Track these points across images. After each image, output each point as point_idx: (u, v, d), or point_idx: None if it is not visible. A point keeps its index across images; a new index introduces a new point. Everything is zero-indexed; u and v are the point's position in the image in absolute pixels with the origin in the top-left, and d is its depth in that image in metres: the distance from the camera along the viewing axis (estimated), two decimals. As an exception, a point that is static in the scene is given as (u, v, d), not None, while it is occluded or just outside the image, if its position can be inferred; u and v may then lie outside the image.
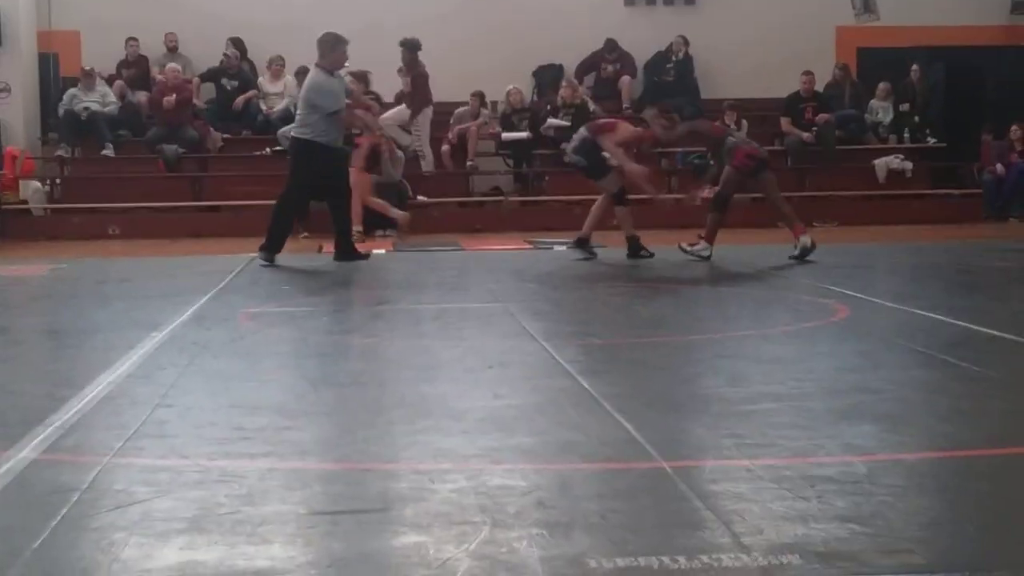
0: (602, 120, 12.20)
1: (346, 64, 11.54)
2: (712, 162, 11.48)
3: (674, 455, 3.98)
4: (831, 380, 5.42)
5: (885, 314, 7.70)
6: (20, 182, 15.95)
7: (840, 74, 17.50)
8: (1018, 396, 5.13)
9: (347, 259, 11.08)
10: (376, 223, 14.97)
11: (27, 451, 4.11)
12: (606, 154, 11.15)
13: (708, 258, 10.88)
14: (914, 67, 17.58)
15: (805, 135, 16.67)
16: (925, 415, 4.73)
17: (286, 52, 16.73)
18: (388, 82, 15.91)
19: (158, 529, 3.26)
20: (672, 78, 17.76)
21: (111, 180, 15.93)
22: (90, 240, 14.62)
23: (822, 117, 16.74)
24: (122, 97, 16.77)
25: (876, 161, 16.79)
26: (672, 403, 4.98)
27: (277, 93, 16.99)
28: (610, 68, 17.78)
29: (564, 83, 16.81)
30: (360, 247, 11.67)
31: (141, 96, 16.92)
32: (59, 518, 3.35)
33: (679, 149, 16.83)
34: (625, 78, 17.72)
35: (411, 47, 15.31)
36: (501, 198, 16.46)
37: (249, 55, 17.38)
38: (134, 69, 17.19)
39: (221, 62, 17.07)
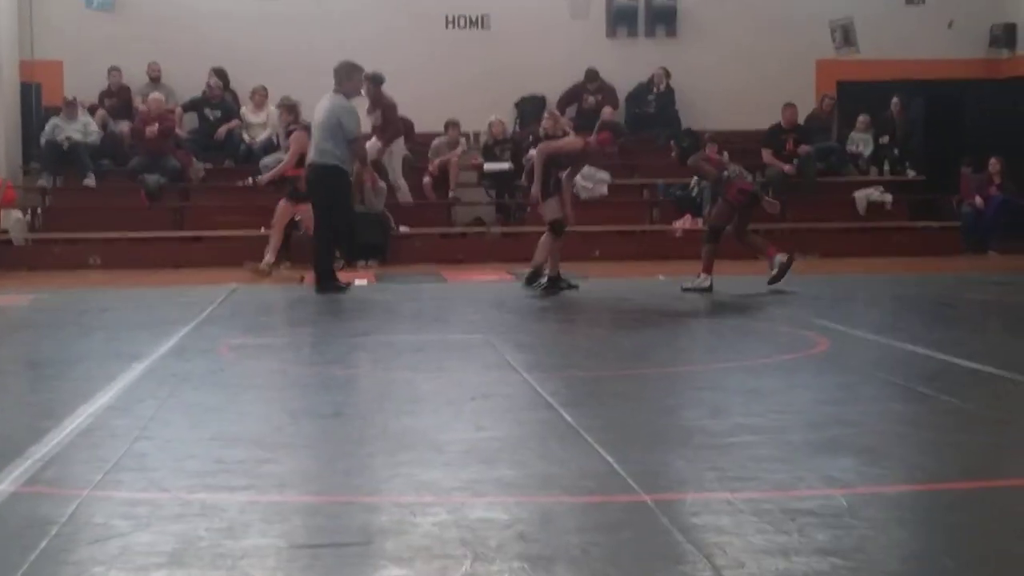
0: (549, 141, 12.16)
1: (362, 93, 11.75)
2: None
3: (655, 488, 3.98)
4: (811, 413, 5.43)
5: (864, 346, 7.73)
6: (1, 212, 15.90)
7: (829, 104, 17.63)
8: (996, 429, 5.15)
9: (327, 290, 11.11)
10: (359, 253, 15.00)
11: (6, 484, 4.10)
12: (568, 175, 11.21)
13: (710, 289, 10.89)
14: (894, 100, 17.71)
15: (787, 167, 16.75)
16: (904, 448, 4.75)
17: (269, 82, 16.76)
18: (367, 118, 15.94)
19: (138, 563, 3.25)
20: (653, 110, 17.86)
21: (93, 210, 15.89)
22: (71, 270, 14.58)
23: (804, 149, 16.84)
24: (104, 127, 16.75)
25: (856, 193, 16.88)
26: (653, 436, 4.98)
27: (260, 123, 17.00)
28: (592, 99, 17.86)
29: (546, 114, 16.87)
30: (342, 276, 11.68)
31: (123, 126, 16.91)
32: (38, 552, 3.33)
33: (661, 181, 16.95)
34: (607, 109, 17.78)
35: (375, 80, 15.34)
36: (484, 228, 16.48)
37: (232, 85, 17.40)
38: (116, 99, 17.18)
39: (203, 92, 17.08)
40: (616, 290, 11.87)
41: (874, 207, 16.84)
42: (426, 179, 16.36)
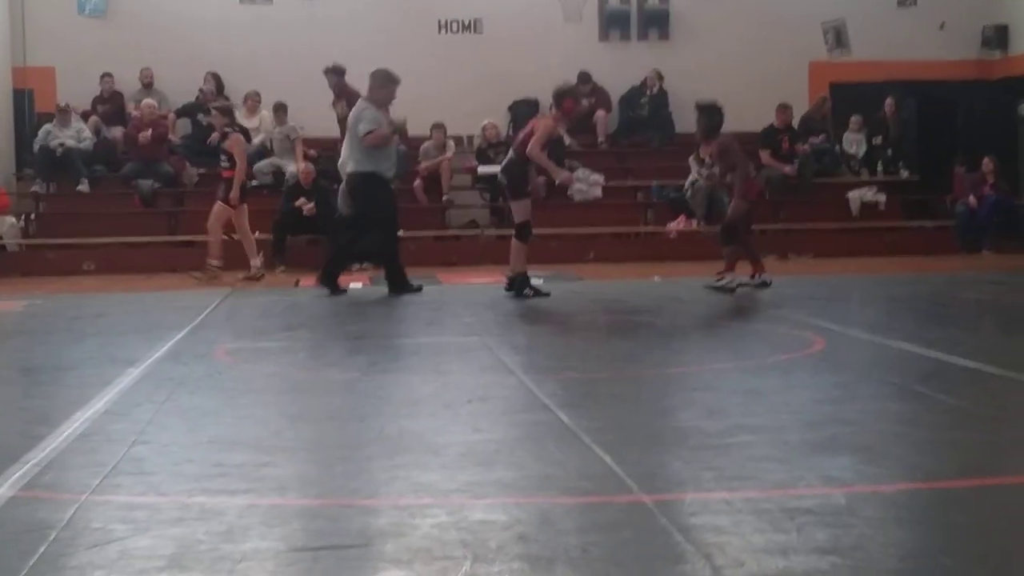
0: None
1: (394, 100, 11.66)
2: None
3: (654, 488, 3.99)
4: (808, 412, 5.44)
5: (860, 346, 7.74)
6: (-6, 218, 15.89)
7: (828, 107, 17.64)
8: (992, 427, 5.16)
9: (401, 291, 11.23)
10: (355, 257, 14.99)
11: (3, 489, 4.09)
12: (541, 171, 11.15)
13: (735, 290, 10.84)
14: (887, 101, 17.74)
15: (787, 168, 16.75)
16: (902, 447, 4.75)
17: (262, 88, 16.76)
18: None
19: (137, 567, 3.24)
20: (647, 112, 17.87)
21: (86, 215, 15.88)
22: (65, 275, 14.56)
23: (803, 149, 16.86)
24: (97, 133, 16.75)
25: (850, 194, 16.91)
26: (651, 436, 4.99)
27: (253, 128, 16.99)
28: (585, 103, 17.85)
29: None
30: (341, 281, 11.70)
31: (116, 132, 16.90)
32: (36, 557, 3.33)
33: (653, 183, 16.95)
34: (600, 112, 17.81)
35: (337, 72, 15.33)
36: (478, 231, 16.48)
37: (224, 91, 17.39)
38: (109, 105, 17.17)
39: (197, 97, 17.08)
40: (611, 292, 11.87)
41: (868, 207, 16.86)
42: (416, 182, 16.33)
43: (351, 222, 11.58)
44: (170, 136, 16.79)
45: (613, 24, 18.30)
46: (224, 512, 3.78)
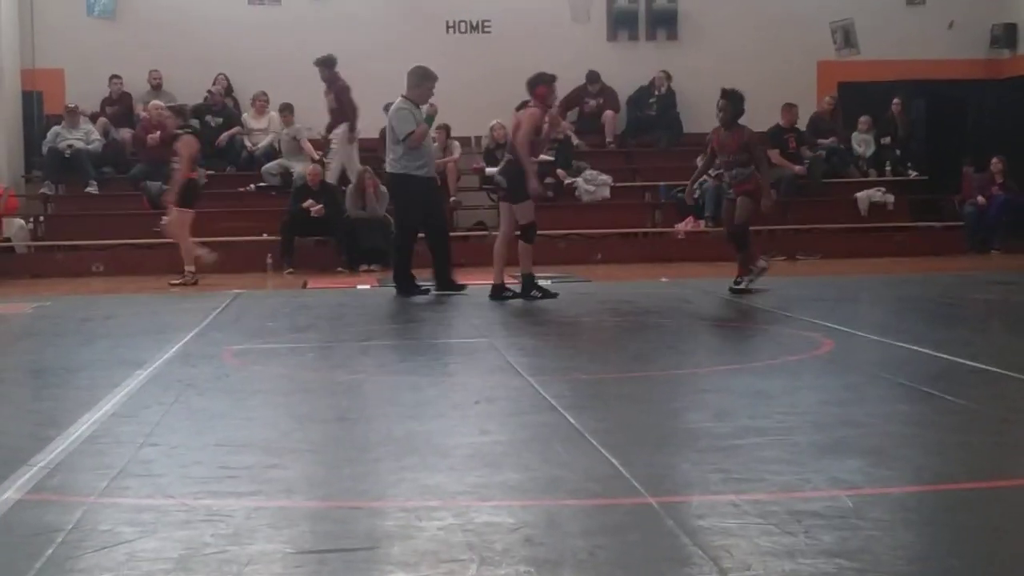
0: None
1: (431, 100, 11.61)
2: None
3: (661, 491, 3.98)
4: (816, 414, 5.43)
5: (869, 347, 7.73)
6: (3, 220, 15.91)
7: (829, 103, 17.62)
8: (1001, 429, 5.15)
9: (448, 289, 11.25)
10: (362, 258, 15.00)
11: (11, 492, 4.10)
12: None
13: (752, 290, 10.85)
14: (895, 101, 17.71)
15: (797, 167, 16.73)
16: (910, 449, 4.74)
17: (270, 89, 16.77)
18: (374, 120, 15.96)
19: (144, 570, 3.25)
20: (655, 112, 17.86)
21: (95, 217, 15.91)
22: (74, 277, 14.58)
23: (817, 154, 16.85)
24: (106, 134, 16.77)
25: (858, 194, 16.87)
26: (658, 438, 4.98)
27: (261, 129, 17.02)
28: (593, 103, 17.87)
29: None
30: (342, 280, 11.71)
31: (125, 133, 16.93)
32: (44, 559, 3.34)
33: (661, 183, 16.92)
34: (608, 113, 17.80)
35: (327, 63, 15.33)
36: (486, 232, 16.47)
37: (233, 92, 17.42)
38: (118, 106, 17.20)
39: (205, 98, 17.09)
40: (619, 293, 11.86)
41: (876, 208, 16.83)
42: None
43: (397, 222, 11.76)
44: (179, 137, 16.78)
45: (621, 24, 18.29)
46: (231, 514, 3.78)
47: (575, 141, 17.30)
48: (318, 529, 3.71)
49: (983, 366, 6.55)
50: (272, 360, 7.67)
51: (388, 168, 11.59)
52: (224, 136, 16.95)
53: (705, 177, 12.07)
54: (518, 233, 10.94)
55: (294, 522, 3.78)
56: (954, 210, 17.21)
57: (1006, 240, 16.49)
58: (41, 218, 16.37)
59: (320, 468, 4.61)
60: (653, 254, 15.84)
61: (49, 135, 16.39)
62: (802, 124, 17.32)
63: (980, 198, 16.65)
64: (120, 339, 8.69)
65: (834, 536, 3.44)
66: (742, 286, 10.93)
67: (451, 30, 17.87)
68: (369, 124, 15.65)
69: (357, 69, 15.62)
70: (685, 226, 16.10)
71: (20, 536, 3.62)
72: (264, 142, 16.81)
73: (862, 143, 17.67)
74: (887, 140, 17.68)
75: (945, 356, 6.94)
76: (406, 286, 11.34)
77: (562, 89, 17.67)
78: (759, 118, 17.08)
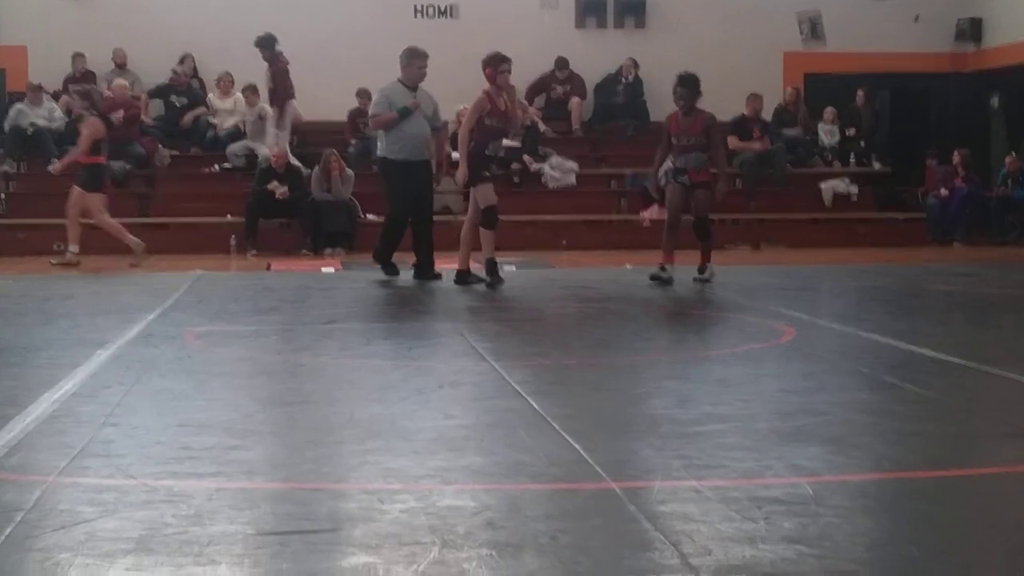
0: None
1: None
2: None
3: (623, 476, 4.00)
4: (778, 402, 5.46)
5: (830, 336, 7.78)
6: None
7: (792, 96, 17.70)
8: (960, 418, 5.20)
9: (424, 277, 11.18)
10: (326, 241, 14.95)
11: (-30, 470, 4.06)
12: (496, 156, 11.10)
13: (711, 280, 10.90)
14: (859, 92, 17.81)
15: (756, 145, 16.75)
16: (870, 437, 4.78)
17: (235, 69, 16.67)
18: (340, 103, 15.89)
19: (104, 549, 3.23)
20: (622, 100, 17.89)
21: (57, 196, 15.71)
22: (35, 256, 14.45)
23: (780, 140, 16.91)
24: (69, 113, 16.62)
25: (823, 184, 16.98)
26: (621, 424, 5.00)
27: (227, 110, 16.92)
28: (560, 90, 17.87)
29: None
30: (310, 262, 11.66)
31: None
32: (2, 538, 3.31)
33: (627, 171, 16.95)
34: (575, 100, 17.82)
35: (266, 44, 15.27)
36: (451, 216, 16.44)
37: (198, 72, 17.29)
38: (81, 85, 17.05)
39: (170, 78, 16.98)
40: (584, 279, 11.89)
41: (840, 198, 16.95)
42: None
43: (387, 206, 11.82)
44: (143, 117, 16.68)
45: (589, 11, 18.31)
46: (192, 495, 3.77)
47: (542, 127, 17.30)
48: (279, 511, 3.69)
49: (944, 356, 6.60)
50: (235, 342, 7.64)
51: (377, 152, 11.67)
52: (189, 116, 16.84)
53: (668, 164, 12.05)
54: None
55: (255, 503, 3.76)
56: (917, 202, 17.35)
57: (968, 232, 16.65)
58: (3, 196, 16.22)
59: (282, 450, 4.60)
60: (618, 241, 15.88)
61: (11, 113, 16.24)
62: (767, 114, 17.39)
63: (943, 190, 16.79)
64: (81, 319, 8.63)
65: (794, 523, 3.46)
66: (705, 276, 10.97)
67: (419, 15, 17.82)
68: (336, 107, 15.62)
69: (325, 53, 15.57)
70: (650, 214, 16.14)
71: (-22, 515, 3.59)
72: (229, 123, 16.71)
73: (827, 134, 17.77)
74: (852, 131, 17.80)
75: (906, 346, 7.00)
76: (387, 268, 11.32)
77: (530, 75, 17.75)
78: (725, 107, 17.14)
